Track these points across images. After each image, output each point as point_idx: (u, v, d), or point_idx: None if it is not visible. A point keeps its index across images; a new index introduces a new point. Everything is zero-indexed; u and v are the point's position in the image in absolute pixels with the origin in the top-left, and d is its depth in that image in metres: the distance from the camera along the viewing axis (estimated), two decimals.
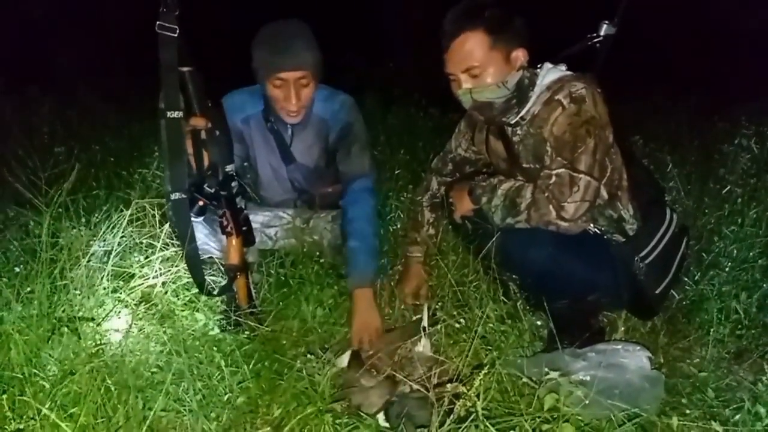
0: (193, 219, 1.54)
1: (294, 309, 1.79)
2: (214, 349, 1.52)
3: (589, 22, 1.89)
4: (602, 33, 1.85)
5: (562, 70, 1.71)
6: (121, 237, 1.79)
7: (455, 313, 1.71)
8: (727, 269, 1.95)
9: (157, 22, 1.33)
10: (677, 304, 1.87)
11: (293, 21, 1.89)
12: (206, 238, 1.84)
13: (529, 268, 1.64)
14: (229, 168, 1.63)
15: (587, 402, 1.26)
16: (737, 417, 1.40)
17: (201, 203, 1.59)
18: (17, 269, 1.64)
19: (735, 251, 2.02)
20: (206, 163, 1.60)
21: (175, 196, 1.45)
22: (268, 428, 1.36)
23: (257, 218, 2.06)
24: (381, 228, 2.18)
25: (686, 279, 1.94)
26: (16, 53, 5.25)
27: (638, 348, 1.52)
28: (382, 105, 4.28)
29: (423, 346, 1.60)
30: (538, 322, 1.77)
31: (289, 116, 1.92)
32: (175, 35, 1.34)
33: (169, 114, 1.39)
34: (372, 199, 1.99)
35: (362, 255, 1.86)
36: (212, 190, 1.60)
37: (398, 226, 2.39)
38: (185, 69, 1.44)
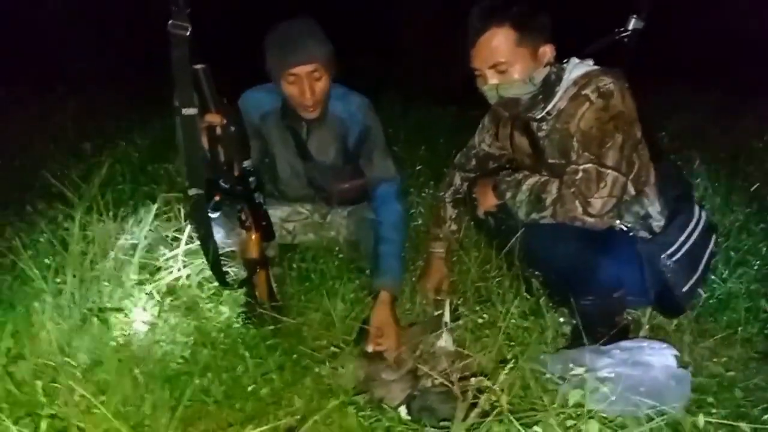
0: (210, 215, 1.56)
1: (316, 303, 1.81)
2: (239, 341, 1.53)
3: (617, 16, 1.87)
4: (630, 27, 1.82)
5: (589, 65, 1.68)
6: (148, 231, 1.82)
7: (478, 308, 1.70)
8: (756, 267, 1.91)
9: (169, 22, 1.35)
10: (704, 303, 1.83)
11: (301, 19, 1.90)
12: (225, 235, 1.86)
13: (554, 264, 1.62)
14: (246, 164, 1.64)
15: (613, 399, 1.25)
16: (766, 417, 1.37)
17: (217, 198, 1.60)
18: (47, 261, 1.68)
19: (764, 249, 1.98)
20: (222, 159, 1.61)
21: (192, 191, 1.47)
22: (292, 419, 1.37)
23: (276, 213, 2.08)
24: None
25: (714, 277, 1.90)
26: (41, 53, 5.37)
27: (664, 346, 1.50)
28: (402, 102, 4.27)
29: (445, 341, 1.59)
30: (561, 319, 1.75)
31: (306, 111, 1.92)
32: (187, 34, 1.36)
33: (183, 111, 1.41)
34: (398, 203, 1.98)
35: (390, 259, 1.86)
36: (228, 186, 1.61)
37: (419, 222, 2.39)
38: (198, 66, 1.45)
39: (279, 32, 1.86)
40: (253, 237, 1.70)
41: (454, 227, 2.02)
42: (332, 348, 1.59)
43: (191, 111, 1.43)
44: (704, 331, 1.78)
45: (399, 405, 1.41)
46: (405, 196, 2.10)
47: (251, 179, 1.67)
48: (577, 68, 1.67)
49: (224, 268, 1.72)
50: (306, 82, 1.84)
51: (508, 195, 1.67)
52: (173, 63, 1.38)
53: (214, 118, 1.55)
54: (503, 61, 1.59)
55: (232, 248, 1.88)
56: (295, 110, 1.96)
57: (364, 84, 2.14)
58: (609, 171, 1.51)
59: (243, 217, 1.68)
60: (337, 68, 1.95)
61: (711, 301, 1.86)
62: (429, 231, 2.09)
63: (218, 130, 1.57)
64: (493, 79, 1.62)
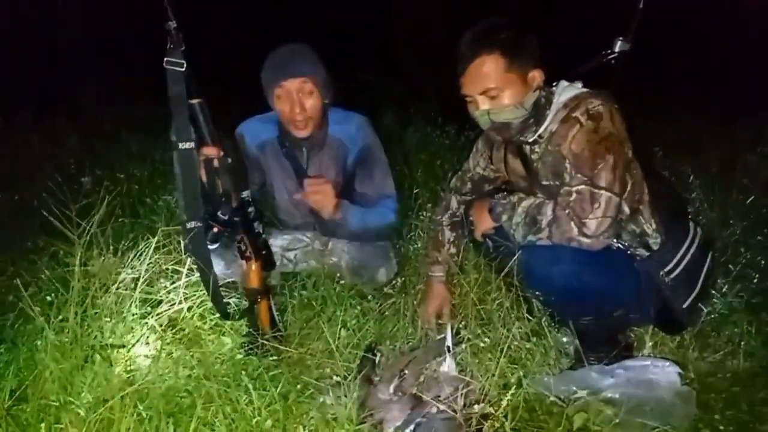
0: (209, 246, 1.57)
1: (318, 331, 1.81)
2: (242, 372, 1.53)
3: (604, 38, 1.91)
4: (617, 49, 1.86)
5: (578, 88, 1.71)
6: (148, 264, 1.83)
7: (479, 331, 1.70)
8: (755, 280, 1.91)
9: (165, 59, 1.38)
10: (706, 318, 1.83)
11: (295, 43, 1.97)
12: (225, 266, 1.87)
13: (552, 284, 1.63)
14: (244, 194, 1.66)
15: (617, 421, 1.25)
16: None
17: (215, 230, 1.62)
18: (48, 298, 1.68)
19: (763, 262, 1.99)
20: (219, 191, 1.63)
21: (190, 224, 1.48)
22: None
23: (277, 242, 2.09)
24: (386, 234, 2.19)
25: (714, 292, 1.91)
26: (41, 84, 5.43)
27: (668, 363, 1.50)
28: (399, 123, 4.31)
29: (448, 366, 1.59)
30: (564, 339, 1.75)
31: (296, 129, 1.95)
32: (183, 70, 1.39)
33: (180, 145, 1.43)
34: (393, 215, 2.01)
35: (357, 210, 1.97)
36: (226, 217, 1.62)
37: (418, 245, 2.40)
38: (195, 101, 1.48)
39: (272, 54, 1.93)
40: (253, 267, 1.71)
41: (452, 250, 2.03)
42: (335, 377, 1.58)
43: (188, 145, 1.45)
44: (707, 347, 1.78)
45: (399, 428, 1.40)
46: (400, 216, 2.12)
47: (250, 209, 1.68)
48: (566, 91, 1.70)
49: (225, 299, 1.72)
50: (295, 96, 1.88)
51: (504, 217, 1.68)
52: (170, 98, 1.41)
53: (211, 151, 1.58)
54: (493, 87, 1.62)
55: (233, 279, 1.89)
56: (293, 138, 1.99)
57: (363, 105, 2.17)
58: (602, 191, 1.53)
59: (243, 247, 1.69)
60: (334, 93, 1.99)
61: (712, 317, 1.86)
62: (427, 255, 2.10)
63: (215, 163, 1.59)
64: (484, 104, 1.65)
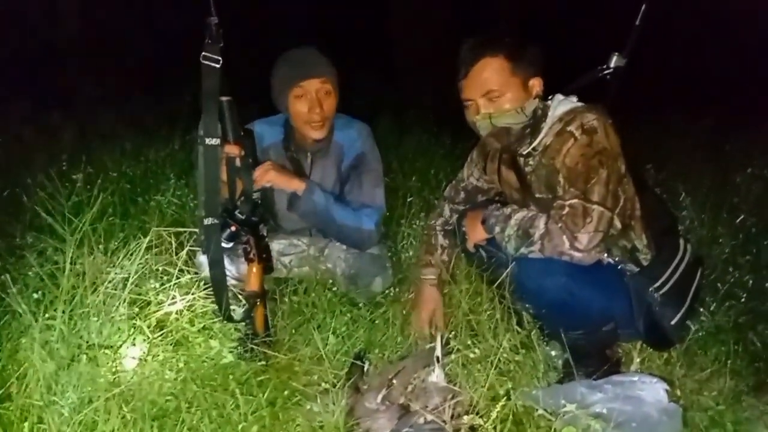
0: (224, 245, 1.58)
1: (307, 337, 1.80)
2: (229, 377, 1.52)
3: (599, 53, 1.92)
4: (612, 65, 1.88)
5: (573, 102, 1.73)
6: (138, 264, 1.81)
7: (469, 342, 1.70)
8: (743, 300, 1.93)
9: (202, 53, 1.38)
10: (693, 335, 1.85)
11: (307, 45, 1.98)
12: (236, 270, 1.87)
13: (543, 298, 1.64)
14: (255, 195, 1.67)
15: None
16: None
17: (233, 229, 1.62)
18: (36, 295, 1.66)
19: (751, 282, 2.00)
20: (239, 190, 1.64)
21: (208, 221, 1.48)
22: None
23: (272, 246, 2.08)
24: (359, 242, 2.10)
25: (702, 310, 1.92)
26: (36, 80, 5.40)
27: (655, 380, 1.51)
28: (395, 131, 4.32)
29: (437, 376, 1.59)
30: (553, 353, 1.76)
31: (313, 130, 1.95)
32: (218, 66, 1.39)
33: (207, 141, 1.44)
34: (371, 224, 1.98)
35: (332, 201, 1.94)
36: (244, 216, 1.63)
37: (410, 254, 2.40)
38: (223, 98, 1.49)
39: (287, 55, 1.94)
40: (254, 269, 1.71)
41: (444, 257, 2.02)
42: (323, 384, 1.57)
43: (215, 141, 1.46)
44: (694, 364, 1.79)
45: None
46: (379, 230, 2.09)
47: (258, 211, 1.70)
48: (561, 105, 1.71)
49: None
50: (315, 96, 1.88)
51: (497, 229, 1.69)
52: (203, 93, 1.42)
53: (233, 150, 1.59)
54: (496, 90, 1.64)
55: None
56: (301, 139, 1.98)
57: (359, 112, 2.18)
58: (595, 206, 1.54)
59: (248, 249, 1.69)
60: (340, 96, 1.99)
61: (700, 334, 1.87)
62: (419, 259, 2.09)
63: (237, 162, 1.60)
64: (485, 108, 1.66)
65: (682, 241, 1.78)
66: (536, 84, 1.69)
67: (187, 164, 3.19)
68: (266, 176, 1.83)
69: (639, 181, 1.76)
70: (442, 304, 1.96)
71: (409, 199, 2.80)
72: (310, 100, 1.89)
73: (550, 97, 1.75)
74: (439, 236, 2.04)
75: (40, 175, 2.97)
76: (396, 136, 4.23)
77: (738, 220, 2.39)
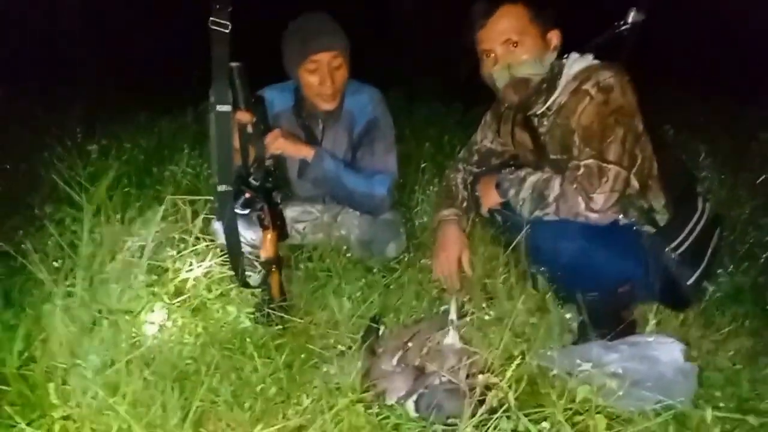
0: (239, 211, 1.58)
1: (323, 302, 1.81)
2: (247, 340, 1.55)
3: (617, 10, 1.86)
4: (630, 20, 1.82)
5: (589, 60, 1.69)
6: (155, 232, 1.83)
7: (484, 305, 1.71)
8: (762, 260, 1.90)
9: (210, 18, 1.37)
10: (711, 296, 1.83)
11: (318, 12, 1.93)
12: (253, 233, 1.88)
13: (559, 260, 1.63)
14: (268, 162, 1.67)
15: (620, 394, 1.25)
16: None
17: (248, 195, 1.63)
18: (56, 264, 1.69)
19: None
20: (252, 156, 1.64)
21: (221, 188, 1.49)
22: (301, 418, 1.38)
23: (286, 213, 2.09)
24: (372, 208, 2.10)
25: (720, 270, 1.90)
26: (47, 53, 5.40)
27: (671, 340, 1.50)
28: (407, 98, 4.27)
29: (452, 339, 1.60)
30: (568, 315, 1.75)
31: (324, 101, 1.93)
32: (227, 31, 1.37)
33: (218, 108, 1.43)
34: (383, 190, 1.97)
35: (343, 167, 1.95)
36: (257, 183, 1.64)
37: (424, 220, 2.39)
38: (234, 64, 1.47)
39: (298, 24, 1.90)
40: (269, 236, 1.72)
41: (464, 206, 1.97)
42: (339, 347, 1.59)
43: (226, 108, 1.46)
44: (711, 325, 1.78)
45: (401, 398, 1.41)
46: (392, 195, 2.08)
47: (271, 178, 1.70)
48: (577, 63, 1.68)
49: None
50: (327, 69, 1.86)
51: (511, 193, 1.67)
52: (212, 60, 1.41)
53: (244, 117, 1.58)
54: (515, 38, 1.62)
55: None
56: (312, 106, 1.97)
57: (370, 79, 2.15)
58: (611, 166, 1.51)
59: (262, 216, 1.70)
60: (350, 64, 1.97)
61: (718, 295, 1.86)
62: (437, 206, 2.02)
63: (249, 128, 1.60)
64: (505, 56, 1.64)
65: (700, 201, 1.75)
66: (554, 36, 1.68)
67: (200, 135, 3.20)
68: (275, 144, 1.83)
69: (657, 140, 1.72)
70: (467, 245, 1.88)
71: (422, 165, 2.79)
72: (321, 74, 1.87)
73: (565, 56, 1.72)
74: (459, 186, 2.01)
75: (57, 146, 3.01)
76: (408, 104, 4.18)
77: (758, 181, 2.34)
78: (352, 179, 1.96)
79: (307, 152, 1.90)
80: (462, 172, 2.04)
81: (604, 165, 1.52)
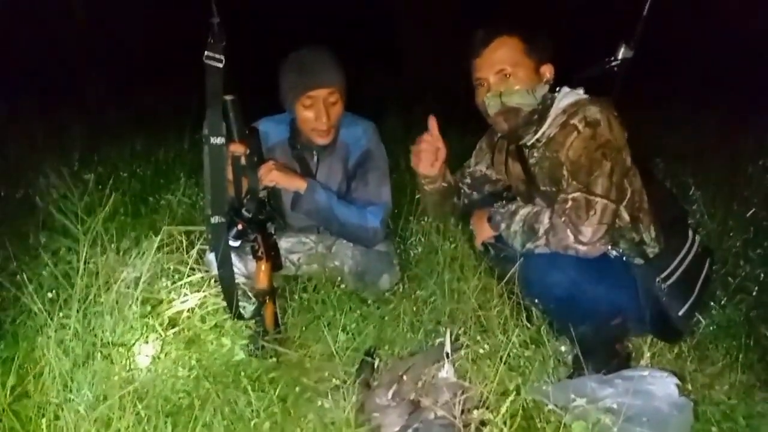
0: (231, 243, 1.59)
1: (318, 334, 1.81)
2: (241, 374, 1.54)
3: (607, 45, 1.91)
4: (620, 56, 1.87)
5: (578, 94, 1.73)
6: (150, 263, 1.83)
7: (479, 338, 1.71)
8: (754, 293, 1.92)
9: (205, 53, 1.39)
10: (704, 330, 1.84)
11: (317, 46, 1.96)
12: (244, 266, 1.88)
13: (551, 292, 1.64)
14: (261, 194, 1.68)
15: (615, 430, 1.25)
16: None
17: (240, 227, 1.64)
18: (50, 294, 1.69)
19: (762, 275, 1.99)
20: (245, 188, 1.65)
21: (215, 219, 1.50)
22: None
23: (281, 244, 2.09)
24: (364, 240, 2.09)
25: (713, 303, 1.91)
26: (46, 78, 5.45)
27: (666, 374, 1.50)
28: (401, 127, 4.32)
29: (446, 372, 1.60)
30: (563, 348, 1.76)
31: (319, 137, 1.96)
32: (221, 65, 1.40)
33: (212, 140, 1.45)
34: (375, 222, 1.99)
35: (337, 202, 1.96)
36: (250, 215, 1.65)
37: (419, 250, 2.40)
38: (228, 97, 1.50)
39: (296, 58, 1.92)
40: (263, 267, 1.72)
41: (451, 180, 2.00)
42: (334, 380, 1.59)
43: (219, 140, 1.48)
44: (705, 359, 1.78)
45: None
46: (385, 227, 2.09)
47: (267, 208, 1.71)
48: (567, 97, 1.72)
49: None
50: (323, 105, 1.89)
51: (503, 226, 1.69)
52: (207, 93, 1.43)
53: (238, 148, 1.60)
54: (508, 68, 1.66)
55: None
56: (307, 138, 1.99)
57: (366, 107, 2.18)
58: (598, 199, 1.54)
59: (256, 247, 1.71)
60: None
61: (711, 328, 1.87)
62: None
63: (242, 160, 1.62)
64: (497, 85, 1.68)
65: (690, 232, 1.78)
66: (547, 70, 1.72)
67: (196, 163, 3.22)
68: (269, 176, 1.84)
69: (647, 173, 1.75)
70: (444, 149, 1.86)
71: (417, 196, 2.81)
72: (317, 109, 1.90)
73: (557, 89, 1.76)
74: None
75: (53, 175, 3.01)
76: (403, 132, 4.22)
77: (749, 214, 2.36)
78: (344, 211, 1.97)
79: (300, 184, 1.92)
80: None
81: (592, 198, 1.54)
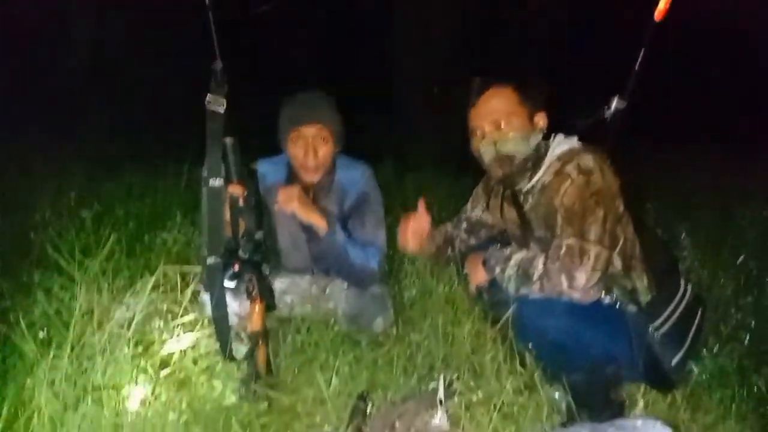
0: (226, 284, 1.60)
1: (310, 377, 1.79)
2: (232, 418, 1.52)
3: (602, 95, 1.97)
4: (613, 107, 1.93)
5: (572, 142, 1.78)
6: (144, 303, 1.83)
7: (472, 384, 1.70)
8: (746, 342, 1.92)
9: (207, 97, 1.43)
10: (698, 378, 1.84)
11: (314, 90, 2.03)
12: (238, 306, 1.88)
13: (544, 338, 1.64)
14: (258, 235, 1.69)
15: None
16: None
17: (236, 268, 1.65)
18: (41, 334, 1.68)
19: (753, 323, 2.00)
20: (242, 229, 1.67)
21: (211, 260, 1.51)
22: None
23: (275, 285, 2.09)
24: (360, 279, 2.13)
25: (705, 352, 1.91)
26: (45, 114, 5.52)
27: (659, 424, 1.49)
28: (397, 170, 4.38)
29: (440, 419, 1.58)
30: (557, 395, 1.74)
31: (307, 173, 2.00)
32: (223, 109, 1.44)
33: (211, 182, 1.47)
34: (374, 264, 2.01)
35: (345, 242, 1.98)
36: (246, 256, 1.66)
37: (413, 292, 2.40)
38: (227, 140, 1.53)
39: (291, 98, 2.01)
40: (257, 308, 1.72)
41: (440, 241, 2.09)
42: (326, 427, 1.57)
43: (218, 182, 1.50)
44: (699, 408, 1.77)
45: None
46: (382, 268, 2.13)
47: (261, 249, 1.72)
48: (561, 144, 1.77)
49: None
50: (311, 142, 1.93)
51: (498, 270, 1.71)
52: (207, 135, 1.46)
53: (236, 189, 1.63)
54: (503, 117, 1.72)
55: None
56: (302, 182, 2.03)
57: (362, 149, 2.22)
58: (592, 245, 1.56)
59: (250, 288, 1.71)
60: (344, 140, 2.05)
61: (704, 377, 1.86)
62: None
63: (240, 201, 1.64)
64: (492, 133, 1.72)
65: (682, 281, 1.80)
66: (541, 119, 1.78)
67: (193, 201, 3.24)
68: (290, 205, 1.89)
69: (638, 221, 1.79)
70: (429, 222, 1.98)
71: None
72: (305, 146, 1.95)
73: (552, 136, 1.81)
74: (447, 227, 2.11)
75: (49, 211, 3.02)
76: (398, 175, 4.28)
77: (739, 261, 2.39)
78: (354, 251, 2.01)
79: (320, 222, 1.95)
80: (447, 226, 2.12)
81: (586, 245, 1.57)
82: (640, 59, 1.89)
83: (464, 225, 2.08)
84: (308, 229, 2.07)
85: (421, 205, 1.95)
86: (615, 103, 1.92)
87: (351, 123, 2.11)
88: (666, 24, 1.80)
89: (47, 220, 2.88)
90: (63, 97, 6.01)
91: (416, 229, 1.97)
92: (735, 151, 4.43)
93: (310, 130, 1.94)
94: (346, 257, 1.99)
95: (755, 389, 1.76)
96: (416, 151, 5.22)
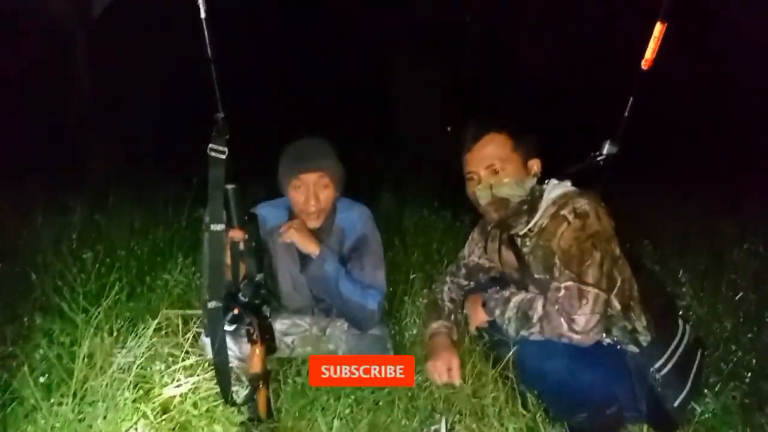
0: (226, 328, 1.61)
1: (312, 419, 1.78)
2: None
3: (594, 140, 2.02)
4: (605, 152, 1.97)
5: (566, 186, 1.82)
6: (146, 347, 1.83)
7: (474, 426, 1.69)
8: (747, 380, 1.92)
9: (209, 145, 1.47)
10: (700, 418, 1.82)
11: (314, 137, 2.07)
12: (238, 350, 1.88)
13: (546, 380, 1.64)
14: (258, 277, 1.71)
15: None
16: None
17: (236, 312, 1.66)
18: (42, 379, 1.67)
19: (754, 361, 2.00)
20: (242, 273, 1.69)
21: (212, 304, 1.52)
22: None
23: (276, 326, 2.10)
24: (360, 321, 2.09)
25: (707, 391, 1.91)
26: (47, 154, 5.58)
27: None
28: (396, 208, 4.41)
29: None
30: None
31: (309, 219, 2.02)
32: (224, 156, 1.48)
33: (212, 227, 1.50)
34: (374, 305, 2.01)
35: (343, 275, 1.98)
36: (246, 299, 1.67)
37: (414, 332, 2.40)
38: (229, 186, 1.57)
39: (292, 145, 2.04)
40: (257, 351, 1.72)
41: (452, 318, 2.03)
42: None
43: (219, 227, 1.53)
44: None
45: None
46: (382, 310, 2.12)
47: (263, 292, 1.74)
48: (555, 189, 1.80)
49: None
50: (312, 189, 1.96)
51: (497, 312, 1.72)
52: (209, 182, 1.50)
53: (237, 234, 1.65)
54: (498, 163, 1.76)
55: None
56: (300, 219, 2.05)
57: (360, 189, 2.25)
58: (590, 288, 1.58)
59: (251, 330, 1.72)
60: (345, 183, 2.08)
61: (706, 416, 1.85)
62: (426, 322, 2.08)
63: (241, 246, 1.66)
64: (487, 178, 1.76)
65: (681, 322, 1.81)
66: (535, 164, 1.82)
67: (193, 242, 3.25)
68: (287, 233, 1.95)
69: (635, 262, 1.81)
70: (457, 354, 1.90)
71: (411, 276, 2.84)
72: (306, 192, 1.99)
73: (546, 181, 1.85)
74: (445, 299, 2.07)
75: (50, 252, 3.03)
76: (397, 213, 4.31)
77: (737, 298, 2.40)
78: (348, 286, 2.00)
79: (313, 248, 1.97)
80: (448, 284, 2.11)
81: (584, 287, 1.59)
82: (629, 106, 1.95)
83: (462, 271, 2.10)
84: (307, 268, 2.10)
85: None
86: (607, 149, 1.98)
87: (350, 160, 2.15)
88: (657, 69, 1.87)
89: (48, 262, 2.88)
90: (64, 138, 6.09)
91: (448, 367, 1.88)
92: (730, 189, 4.47)
93: (311, 177, 1.97)
94: (338, 289, 1.98)
95: (758, 428, 1.74)
96: (414, 187, 5.27)
